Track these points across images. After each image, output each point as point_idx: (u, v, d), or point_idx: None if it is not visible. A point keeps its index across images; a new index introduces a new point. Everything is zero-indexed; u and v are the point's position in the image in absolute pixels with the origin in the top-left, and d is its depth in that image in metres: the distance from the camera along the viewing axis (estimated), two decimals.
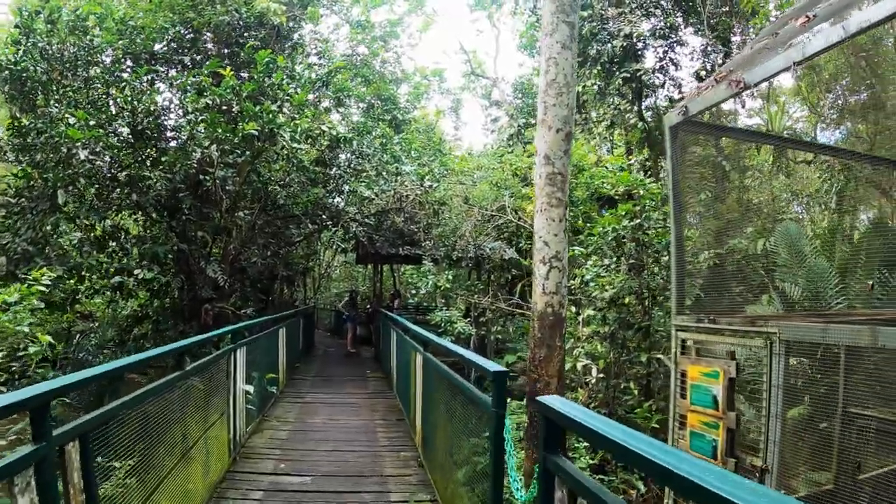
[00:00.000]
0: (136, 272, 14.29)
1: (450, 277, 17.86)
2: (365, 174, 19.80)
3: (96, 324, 17.61)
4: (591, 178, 17.41)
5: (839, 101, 29.52)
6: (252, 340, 11.56)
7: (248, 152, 14.76)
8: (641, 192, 14.91)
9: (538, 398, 3.46)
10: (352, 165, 20.06)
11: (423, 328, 11.49)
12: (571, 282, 15.78)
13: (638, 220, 14.01)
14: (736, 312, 8.98)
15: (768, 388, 6.25)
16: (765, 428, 6.27)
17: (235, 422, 9.24)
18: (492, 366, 4.96)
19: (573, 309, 15.41)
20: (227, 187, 16.09)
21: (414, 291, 41.37)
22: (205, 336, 8.48)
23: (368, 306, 29.92)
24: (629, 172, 16.08)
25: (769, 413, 6.23)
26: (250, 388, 9.76)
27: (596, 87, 22.21)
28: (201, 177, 15.59)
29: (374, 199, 19.61)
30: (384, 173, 19.99)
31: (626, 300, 13.86)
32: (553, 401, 3.35)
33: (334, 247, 26.37)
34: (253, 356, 11.52)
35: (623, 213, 13.94)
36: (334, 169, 19.90)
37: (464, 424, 6.62)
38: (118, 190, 14.48)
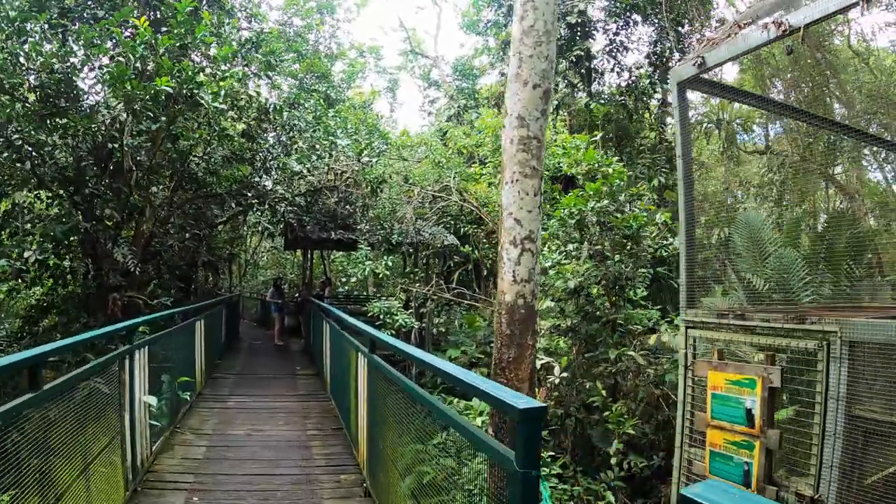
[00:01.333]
0: (26, 255, 12.27)
1: (388, 264, 16.12)
2: (296, 147, 17.88)
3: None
4: (550, 155, 15.88)
5: (782, 95, 29.40)
6: (160, 337, 9.74)
7: (163, 117, 12.85)
8: (609, 171, 13.43)
9: (685, 494, 1.73)
10: (281, 140, 18.10)
11: (359, 320, 9.94)
12: None
13: (605, 202, 12.53)
14: (769, 307, 7.58)
15: (824, 400, 5.27)
16: (818, 449, 5.30)
17: (135, 444, 7.34)
18: (518, 400, 3.00)
19: None
20: (140, 158, 14.10)
21: (344, 279, 39.89)
22: (75, 340, 6.47)
23: (297, 295, 28.13)
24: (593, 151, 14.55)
25: (824, 431, 5.24)
26: (153, 400, 7.87)
27: None
28: (110, 145, 13.56)
29: (305, 175, 17.64)
30: (317, 146, 18.07)
31: (594, 290, 12.38)
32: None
33: (261, 230, 24.33)
34: (163, 356, 9.81)
35: (592, 192, 12.40)
36: (262, 144, 17.92)
37: (446, 467, 5.37)
38: (19, 163, 12.54)
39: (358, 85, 37.18)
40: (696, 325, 6.97)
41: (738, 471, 5.71)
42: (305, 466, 8.57)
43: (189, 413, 11.37)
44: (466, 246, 18.38)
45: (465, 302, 18.30)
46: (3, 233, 13.19)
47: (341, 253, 36.45)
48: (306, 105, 19.11)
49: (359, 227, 18.55)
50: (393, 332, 14.35)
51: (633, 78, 24.11)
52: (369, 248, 16.70)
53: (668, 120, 26.70)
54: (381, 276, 15.90)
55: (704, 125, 25.94)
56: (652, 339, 12.87)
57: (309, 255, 26.12)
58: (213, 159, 15.89)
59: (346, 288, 38.69)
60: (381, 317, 14.67)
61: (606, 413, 11.48)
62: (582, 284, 12.41)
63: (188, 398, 10.43)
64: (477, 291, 19.08)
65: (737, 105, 23.81)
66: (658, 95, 25.19)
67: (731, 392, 5.88)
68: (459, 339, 17.59)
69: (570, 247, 13.17)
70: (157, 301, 14.09)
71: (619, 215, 12.77)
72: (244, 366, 17.83)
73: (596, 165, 13.74)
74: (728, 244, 10.90)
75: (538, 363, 12.54)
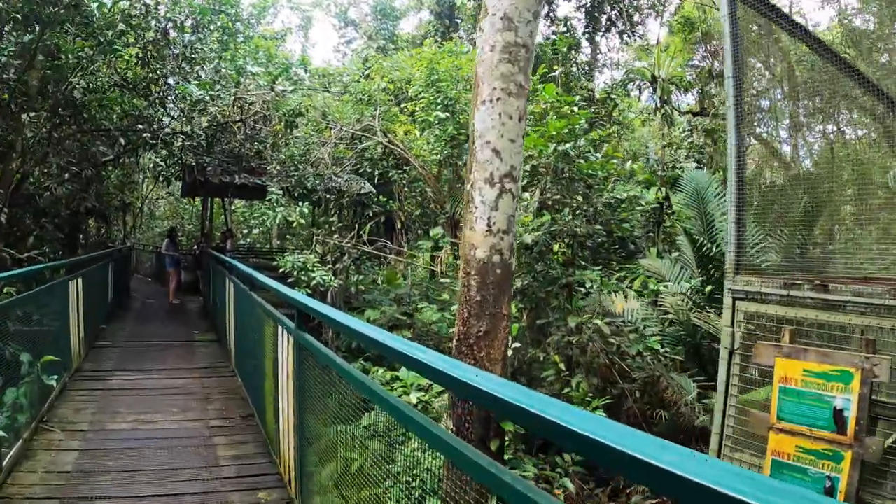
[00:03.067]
0: None
1: (305, 212, 13.88)
2: (199, 73, 15.38)
3: None
4: None
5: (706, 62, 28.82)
6: (14, 304, 7.59)
7: (36, 24, 10.43)
8: (573, 111, 11.55)
9: None
10: (181, 66, 15.55)
11: (268, 276, 8.44)
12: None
13: (568, 146, 10.67)
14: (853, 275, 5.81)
15: None
16: None
17: None
18: None
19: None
20: (7, 77, 11.52)
21: (246, 231, 37.40)
22: None
23: (195, 247, 25.57)
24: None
25: None
26: None
27: None
28: None
29: (207, 105, 15.13)
30: (221, 71, 15.58)
31: (556, 247, 10.58)
32: None
33: (156, 174, 21.68)
34: (20, 329, 7.77)
35: (553, 132, 10.49)
36: (160, 70, 15.32)
37: None
38: None
39: (268, 23, 34.41)
40: (749, 296, 5.18)
41: (817, 487, 4.60)
42: (210, 479, 6.38)
43: (61, 399, 9.05)
44: (382, 196, 16.42)
45: (388, 257, 16.35)
46: None
47: (242, 202, 33.91)
48: (211, 28, 16.58)
49: (268, 168, 16.23)
50: (308, 290, 12.34)
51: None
52: (283, 193, 14.42)
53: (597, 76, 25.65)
54: (294, 225, 13.67)
55: (637, 82, 24.85)
56: (618, 306, 11.14)
57: (209, 203, 23.56)
58: (98, 82, 13.22)
59: (249, 240, 36.30)
60: (295, 273, 12.55)
61: (566, 390, 9.86)
62: (537, 240, 10.60)
63: (54, 383, 8.10)
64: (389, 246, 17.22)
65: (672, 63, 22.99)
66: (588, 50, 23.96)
67: (812, 387, 4.69)
68: (374, 297, 15.77)
69: (525, 195, 11.34)
70: (26, 255, 11.69)
71: (582, 161, 10.95)
72: (134, 331, 15.29)
73: (553, 104, 11.76)
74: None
75: None
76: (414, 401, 10.23)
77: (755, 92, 7.50)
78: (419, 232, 19.55)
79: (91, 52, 12.22)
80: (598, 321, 10.32)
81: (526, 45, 6.14)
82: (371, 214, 17.92)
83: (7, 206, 12.11)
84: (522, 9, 6.05)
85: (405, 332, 13.95)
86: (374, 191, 17.23)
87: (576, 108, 11.50)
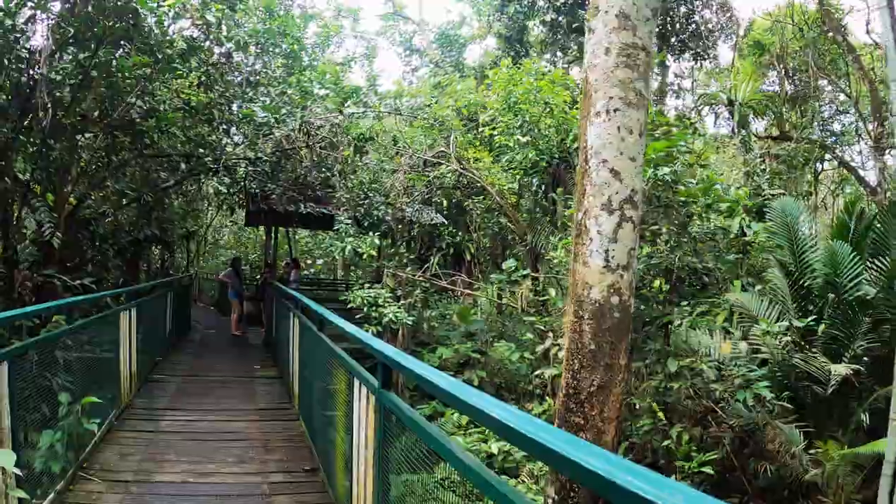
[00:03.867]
0: None
1: (376, 243, 12.93)
2: (262, 89, 14.65)
3: None
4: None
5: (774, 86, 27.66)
6: (54, 336, 6.70)
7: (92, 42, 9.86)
8: (669, 131, 10.53)
9: None
10: (244, 89, 14.86)
11: (329, 311, 7.58)
12: (551, 252, 11.41)
13: (666, 170, 9.63)
14: None
15: None
16: None
17: None
18: None
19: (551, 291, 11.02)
20: (59, 94, 10.89)
21: (310, 261, 36.77)
22: None
23: (258, 277, 24.91)
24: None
25: None
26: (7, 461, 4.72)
27: None
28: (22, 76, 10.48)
29: (273, 128, 14.33)
30: (287, 95, 14.81)
31: (655, 284, 9.51)
32: None
33: (219, 202, 21.11)
34: (59, 364, 6.95)
35: (652, 154, 9.49)
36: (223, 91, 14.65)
37: None
38: None
39: (332, 52, 34.01)
40: None
41: None
42: None
43: (107, 440, 8.19)
44: (451, 227, 15.50)
45: (458, 290, 15.39)
46: None
47: (306, 231, 33.27)
48: (276, 51, 15.93)
49: (336, 196, 15.37)
50: (379, 328, 11.41)
51: None
52: (354, 222, 13.52)
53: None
54: (364, 257, 12.72)
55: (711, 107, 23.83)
56: (725, 348, 10.00)
57: (273, 233, 22.88)
58: (157, 103, 12.53)
59: (312, 271, 35.67)
60: (365, 309, 11.62)
61: (666, 442, 8.81)
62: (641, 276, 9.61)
63: (95, 427, 7.23)
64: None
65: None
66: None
67: None
68: (444, 333, 14.82)
69: None
70: (78, 282, 10.98)
71: (681, 187, 9.92)
72: (192, 365, 14.43)
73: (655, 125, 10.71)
74: None
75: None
76: (495, 450, 9.25)
77: None
78: (488, 265, 18.63)
79: (149, 72, 11.54)
80: (703, 365, 9.22)
81: (645, 47, 5.21)
82: (442, 246, 17.04)
83: (62, 230, 11.44)
84: (641, 5, 5.11)
85: (479, 371, 13.05)
86: (444, 221, 16.35)
87: (674, 130, 10.45)
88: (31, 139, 10.95)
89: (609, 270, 5.05)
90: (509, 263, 13.68)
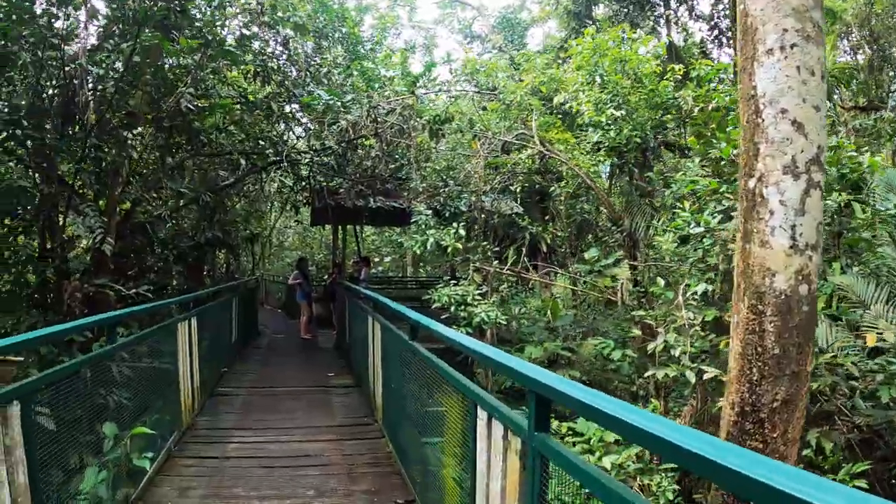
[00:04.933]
0: None
1: (462, 234, 11.64)
2: (325, 72, 13.57)
3: None
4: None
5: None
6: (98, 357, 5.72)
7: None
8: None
9: None
10: (304, 77, 13.82)
11: (409, 310, 6.77)
12: (657, 238, 10.08)
13: None
14: None
15: None
16: None
17: None
18: None
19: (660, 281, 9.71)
20: (101, 88, 9.95)
21: (377, 259, 35.86)
22: None
23: (326, 277, 23.96)
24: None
25: None
26: None
27: None
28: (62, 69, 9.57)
29: (339, 111, 13.17)
30: (350, 83, 13.69)
31: None
32: None
33: (283, 200, 20.21)
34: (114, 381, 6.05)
35: None
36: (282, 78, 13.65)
37: None
38: None
39: (389, 45, 32.98)
40: None
41: None
42: None
43: (164, 472, 7.14)
44: (526, 217, 14.19)
45: (542, 282, 14.12)
46: None
47: (370, 229, 32.28)
48: (336, 36, 14.85)
49: (411, 186, 14.19)
50: (470, 329, 10.19)
51: None
52: (429, 213, 12.27)
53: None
54: (450, 249, 11.44)
55: None
56: (871, 339, 8.57)
57: (341, 231, 21.85)
58: (207, 88, 11.52)
59: (380, 269, 34.74)
60: (452, 309, 10.40)
61: (805, 451, 7.54)
62: None
63: (147, 464, 6.15)
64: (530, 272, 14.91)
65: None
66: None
67: None
68: (526, 329, 13.59)
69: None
70: (133, 290, 10.03)
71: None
72: (260, 374, 13.42)
73: None
74: None
75: (690, 375, 8.60)
76: (608, 465, 8.01)
77: None
78: (565, 256, 17.34)
79: (199, 57, 10.51)
80: (847, 360, 7.86)
81: None
82: (523, 237, 15.78)
83: (114, 236, 10.50)
84: None
85: (571, 370, 11.84)
86: (521, 210, 15.10)
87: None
88: (76, 138, 10.03)
89: (796, 251, 3.82)
90: (592, 252, 12.41)
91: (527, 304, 14.95)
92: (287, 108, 14.58)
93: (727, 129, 9.60)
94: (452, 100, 15.07)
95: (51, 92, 9.89)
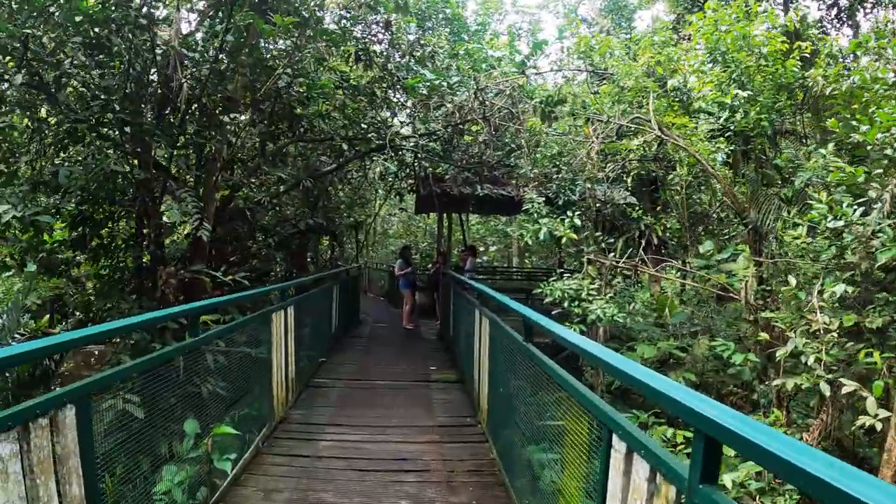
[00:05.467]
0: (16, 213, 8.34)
1: (577, 224, 10.82)
2: (430, 52, 13.01)
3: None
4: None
5: None
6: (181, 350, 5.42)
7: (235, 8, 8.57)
8: None
9: None
10: (408, 61, 13.30)
11: (523, 307, 5.90)
12: (788, 232, 9.14)
13: None
14: None
15: None
16: None
17: None
18: None
19: (790, 280, 8.78)
20: (196, 71, 9.62)
21: (482, 249, 35.22)
22: None
23: (430, 266, 23.48)
24: None
25: None
26: None
27: None
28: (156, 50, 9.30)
29: (445, 91, 12.57)
30: (456, 64, 13.07)
31: None
32: None
33: (389, 189, 19.78)
34: (189, 386, 5.67)
35: None
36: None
37: None
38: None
39: (493, 30, 32.27)
40: None
41: None
42: None
43: (251, 469, 6.73)
44: (637, 209, 13.28)
45: (654, 276, 13.25)
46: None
47: (475, 218, 31.64)
48: (439, 17, 14.29)
49: (521, 172, 13.51)
50: (583, 327, 9.46)
51: None
52: (542, 200, 11.52)
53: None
54: (565, 240, 10.66)
55: None
56: None
57: (448, 219, 21.32)
58: (304, 68, 11.09)
59: (485, 259, 34.14)
60: (566, 304, 9.67)
61: None
62: None
63: (228, 467, 5.69)
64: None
65: None
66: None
67: None
68: (639, 326, 12.71)
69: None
70: (230, 277, 9.72)
71: None
72: (359, 366, 12.93)
73: None
74: None
75: (825, 388, 7.69)
76: (729, 484, 7.23)
77: None
78: (676, 249, 16.32)
79: (295, 37, 10.08)
80: None
81: None
82: (632, 228, 14.90)
83: (212, 222, 10.22)
84: None
85: (685, 372, 11.01)
86: (635, 201, 14.24)
87: None
88: (172, 123, 9.77)
89: None
90: (707, 246, 11.51)
91: (636, 298, 14.07)
92: (391, 95, 14.16)
93: (869, 111, 8.66)
94: (566, 80, 14.28)
95: (146, 78, 9.62)
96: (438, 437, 8.12)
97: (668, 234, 15.97)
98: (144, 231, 10.14)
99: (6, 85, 8.91)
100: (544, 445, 5.09)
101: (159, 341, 7.84)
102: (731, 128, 11.56)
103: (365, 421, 8.76)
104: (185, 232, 11.16)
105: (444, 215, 20.78)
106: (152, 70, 9.47)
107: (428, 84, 12.06)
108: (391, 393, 10.55)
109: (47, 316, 13.77)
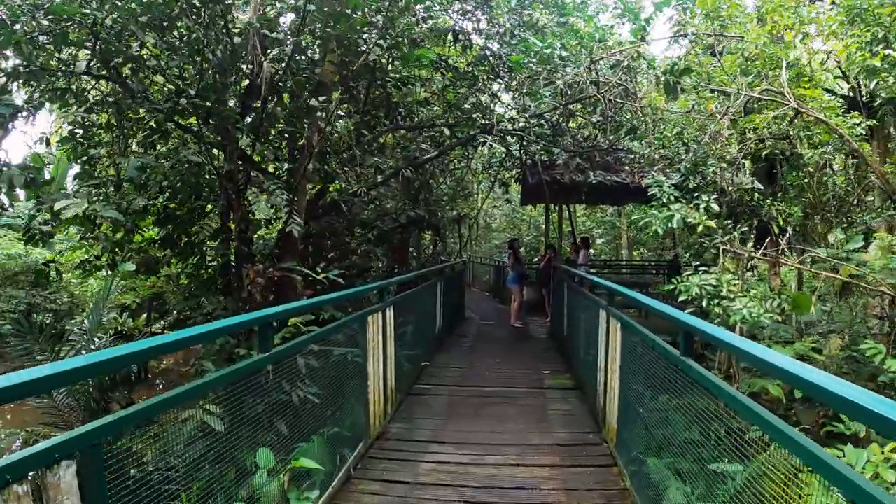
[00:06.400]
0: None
1: (714, 208, 9.43)
2: (536, 20, 11.91)
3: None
4: None
5: None
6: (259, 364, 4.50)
7: None
8: None
9: None
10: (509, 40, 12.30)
11: (680, 312, 4.72)
12: None
13: None
14: None
15: None
16: None
17: None
18: None
19: None
20: (277, 51, 8.80)
21: (601, 241, 33.89)
22: None
23: (537, 260, 22.45)
24: None
25: None
26: None
27: None
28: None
29: (557, 67, 11.35)
30: (562, 42, 11.83)
31: None
32: None
33: (492, 177, 18.84)
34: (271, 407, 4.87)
35: None
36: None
37: None
38: None
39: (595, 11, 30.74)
40: None
41: None
42: None
43: (339, 497, 5.75)
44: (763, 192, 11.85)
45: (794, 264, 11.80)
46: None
47: (581, 209, 30.29)
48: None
49: (645, 152, 12.23)
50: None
51: None
52: (672, 185, 10.15)
53: None
54: (699, 229, 9.30)
55: None
56: None
57: (557, 210, 20.12)
58: (399, 42, 10.08)
59: (592, 252, 32.90)
60: (704, 303, 8.27)
61: None
62: None
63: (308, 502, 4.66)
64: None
65: None
66: None
67: None
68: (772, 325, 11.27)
69: None
70: (322, 276, 8.86)
71: None
72: (464, 370, 11.83)
73: None
74: None
75: None
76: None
77: None
78: (798, 239, 14.75)
79: (387, 6, 9.11)
80: None
81: None
82: (755, 214, 13.45)
83: (302, 216, 9.38)
84: None
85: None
86: (761, 186, 12.78)
87: None
88: (255, 109, 8.99)
89: None
90: (839, 234, 10.03)
91: (795, 298, 12.59)
92: (493, 78, 13.22)
93: None
94: (691, 44, 12.84)
95: (228, 65, 8.87)
96: (559, 458, 6.93)
97: (791, 222, 14.48)
98: (230, 226, 9.40)
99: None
100: (707, 485, 3.93)
101: (246, 346, 7.03)
102: (881, 95, 10.10)
103: (472, 437, 7.67)
104: (277, 229, 10.43)
105: (552, 206, 19.61)
106: (231, 54, 8.70)
107: (536, 54, 10.92)
108: (502, 402, 9.44)
109: (145, 315, 13.46)
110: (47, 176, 11.94)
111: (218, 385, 4.13)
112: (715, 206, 9.35)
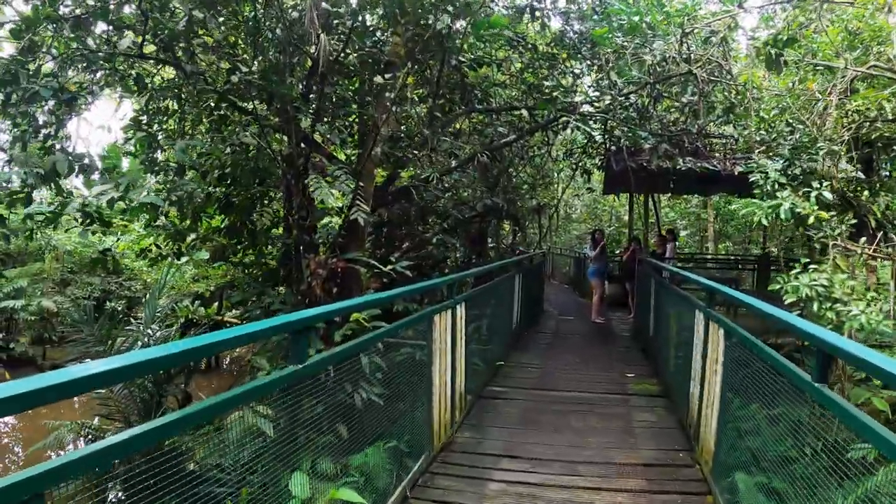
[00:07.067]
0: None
1: (828, 196, 8.35)
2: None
3: None
4: None
5: None
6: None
7: None
8: None
9: None
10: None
11: (818, 328, 3.55)
12: None
13: None
14: None
15: None
16: None
17: None
18: None
19: None
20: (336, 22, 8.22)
21: (684, 233, 32.68)
22: None
23: (619, 252, 21.85)
24: None
25: None
26: None
27: None
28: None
29: (648, 34, 10.41)
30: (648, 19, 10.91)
31: None
32: None
33: (575, 164, 18.06)
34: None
35: None
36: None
37: None
38: None
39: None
40: None
41: None
42: None
43: None
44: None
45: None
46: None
47: (664, 199, 29.09)
48: None
49: (745, 132, 11.25)
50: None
51: None
52: (778, 171, 9.09)
53: None
54: (811, 220, 8.25)
55: None
56: None
57: (644, 199, 19.14)
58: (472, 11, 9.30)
59: (676, 245, 31.77)
60: (816, 306, 7.17)
61: None
62: None
63: None
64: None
65: None
66: None
67: None
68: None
69: None
70: (389, 267, 8.25)
71: None
72: (542, 371, 10.95)
73: None
74: None
75: None
76: None
77: None
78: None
79: None
80: None
81: None
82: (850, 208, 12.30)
83: (370, 203, 8.74)
84: None
85: None
86: (860, 174, 11.66)
87: None
88: (319, 89, 8.41)
89: None
90: None
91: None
92: (574, 56, 12.46)
93: None
94: (797, 9, 11.66)
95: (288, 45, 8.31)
96: (645, 481, 6.05)
97: (887, 216, 13.28)
98: (292, 214, 8.82)
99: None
100: None
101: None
102: None
103: (547, 452, 6.84)
104: (342, 217, 9.87)
105: (638, 195, 18.62)
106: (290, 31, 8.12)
107: (620, 27, 10.04)
108: (582, 410, 8.59)
109: (216, 304, 13.15)
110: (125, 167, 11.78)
111: (211, 414, 3.41)
112: (828, 195, 8.32)
